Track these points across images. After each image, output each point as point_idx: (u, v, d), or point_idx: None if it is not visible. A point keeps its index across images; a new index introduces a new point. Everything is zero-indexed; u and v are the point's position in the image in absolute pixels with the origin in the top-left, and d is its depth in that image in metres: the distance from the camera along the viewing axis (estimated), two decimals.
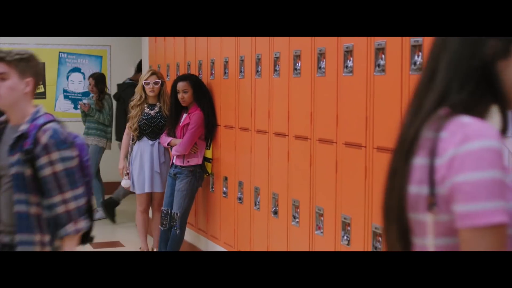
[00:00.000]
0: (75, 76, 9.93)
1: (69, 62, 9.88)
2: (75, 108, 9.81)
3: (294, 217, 4.40)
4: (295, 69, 4.36)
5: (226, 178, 5.50)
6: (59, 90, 9.88)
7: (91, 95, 8.52)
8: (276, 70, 4.63)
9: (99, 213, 8.46)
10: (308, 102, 4.21)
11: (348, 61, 3.77)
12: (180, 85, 5.61)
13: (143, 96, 5.96)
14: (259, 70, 4.88)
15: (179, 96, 5.60)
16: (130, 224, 8.01)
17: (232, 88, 5.32)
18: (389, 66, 3.41)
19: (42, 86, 9.68)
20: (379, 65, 3.50)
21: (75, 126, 9.29)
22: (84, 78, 9.88)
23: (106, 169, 8.95)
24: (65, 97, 10.01)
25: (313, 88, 4.16)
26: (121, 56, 10.04)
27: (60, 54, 9.82)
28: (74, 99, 9.89)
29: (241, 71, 5.18)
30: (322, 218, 4.10)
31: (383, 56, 3.47)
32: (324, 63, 4.02)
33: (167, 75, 6.84)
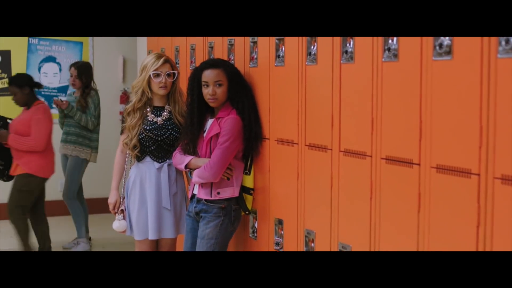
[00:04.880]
0: (49, 67, 8.14)
1: (41, 49, 8.16)
2: (50, 107, 7.77)
3: None
4: (440, 46, 2.43)
5: (280, 222, 3.54)
6: None
7: (72, 90, 6.52)
8: (389, 50, 2.68)
9: (81, 245, 6.48)
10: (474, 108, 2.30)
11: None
12: (211, 75, 3.63)
13: (148, 95, 3.96)
14: (350, 50, 2.93)
15: (209, 91, 3.63)
16: None
17: (292, 80, 3.37)
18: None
19: (7, 79, 7.71)
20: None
21: (53, 131, 7.43)
22: (60, 70, 8.17)
23: (88, 182, 7.09)
24: (37, 93, 7.96)
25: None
26: (107, 42, 8.16)
27: (30, 40, 8.10)
28: (48, 96, 8.10)
29: (310, 54, 3.22)
30: None
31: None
32: None
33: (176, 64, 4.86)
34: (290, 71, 3.38)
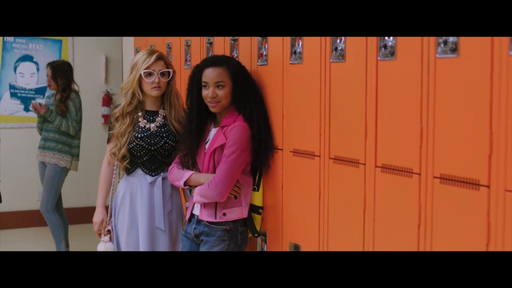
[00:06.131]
0: (26, 66, 7.61)
1: (17, 48, 7.65)
2: (26, 109, 7.46)
3: None
4: None
5: (296, 247, 3.02)
6: (4, 86, 7.59)
7: (51, 92, 5.95)
8: (446, 43, 2.17)
9: None
10: None
11: None
12: (212, 75, 3.12)
13: (139, 97, 3.42)
14: (390, 45, 2.41)
15: (208, 93, 3.11)
16: None
17: (312, 80, 2.85)
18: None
19: None
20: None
21: (28, 135, 7.37)
22: (37, 70, 7.69)
23: (67, 191, 6.66)
24: (12, 95, 7.66)
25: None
26: (88, 39, 7.77)
27: (5, 37, 7.55)
28: (24, 98, 7.65)
29: (336, 49, 2.69)
30: None
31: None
32: None
33: None
34: (310, 70, 2.86)
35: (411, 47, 2.32)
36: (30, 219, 7.50)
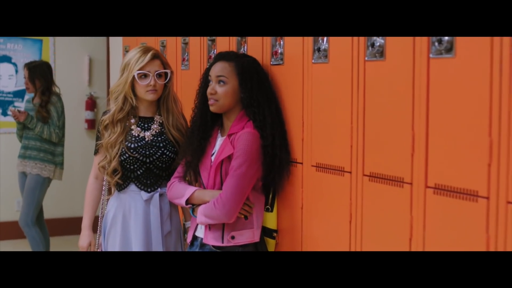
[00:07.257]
0: (4, 68, 7.23)
1: None
2: (4, 114, 7.24)
3: None
4: None
5: None
6: None
7: (30, 95, 5.50)
8: None
9: None
10: None
11: None
12: (215, 69, 2.75)
13: (132, 102, 2.96)
14: (446, 39, 1.98)
15: (208, 91, 2.72)
16: None
17: (341, 81, 2.42)
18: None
19: None
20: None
21: (6, 141, 7.05)
22: (16, 71, 7.27)
23: (48, 201, 6.14)
24: None
25: None
26: (71, 39, 7.35)
27: None
28: (2, 102, 7.25)
29: (372, 46, 2.26)
30: None
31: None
32: None
33: None
34: (339, 70, 2.43)
35: (475, 43, 1.89)
36: (8, 231, 7.10)
